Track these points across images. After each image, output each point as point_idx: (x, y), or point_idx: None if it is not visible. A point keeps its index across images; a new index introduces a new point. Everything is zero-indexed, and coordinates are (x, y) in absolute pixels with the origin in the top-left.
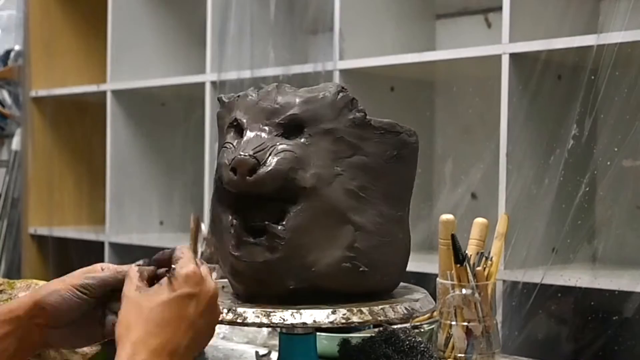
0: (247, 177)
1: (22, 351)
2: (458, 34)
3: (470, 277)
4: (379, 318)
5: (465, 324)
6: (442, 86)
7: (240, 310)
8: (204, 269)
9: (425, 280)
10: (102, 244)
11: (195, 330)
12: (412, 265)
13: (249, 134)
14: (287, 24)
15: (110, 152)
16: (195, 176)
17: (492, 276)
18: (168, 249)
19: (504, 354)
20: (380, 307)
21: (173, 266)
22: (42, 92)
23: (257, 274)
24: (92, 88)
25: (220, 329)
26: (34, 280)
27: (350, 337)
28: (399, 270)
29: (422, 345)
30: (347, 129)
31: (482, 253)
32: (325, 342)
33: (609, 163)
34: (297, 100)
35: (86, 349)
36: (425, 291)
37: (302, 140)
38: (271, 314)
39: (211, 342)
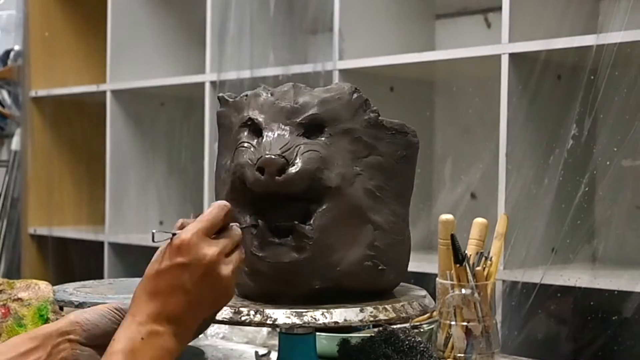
0: (277, 177)
1: None
2: (458, 34)
3: (470, 277)
4: (402, 315)
5: (465, 323)
6: (442, 86)
7: (268, 311)
8: (224, 236)
9: (424, 280)
10: (101, 243)
11: (192, 299)
12: (412, 265)
13: (270, 134)
14: (286, 24)
15: (110, 152)
16: (195, 176)
17: (492, 276)
18: None
19: (503, 354)
20: (401, 304)
21: (176, 232)
22: (42, 92)
23: (282, 275)
24: (91, 88)
25: (220, 328)
26: (34, 280)
27: (350, 337)
28: (406, 268)
29: (421, 345)
30: (363, 129)
31: (481, 253)
32: (325, 342)
33: (608, 163)
34: (316, 100)
35: None
36: (424, 290)
37: (324, 139)
38: (302, 314)
39: (211, 342)
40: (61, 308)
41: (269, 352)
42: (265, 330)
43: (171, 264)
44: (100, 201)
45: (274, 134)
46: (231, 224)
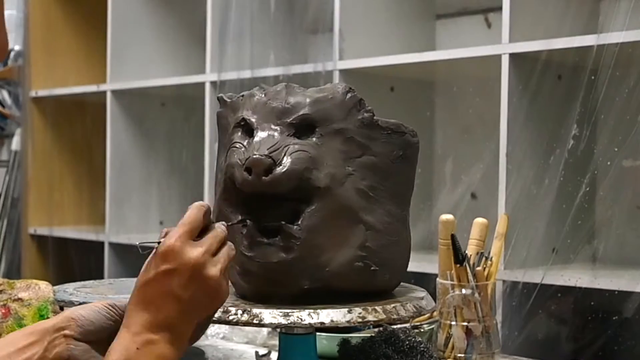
0: (263, 177)
1: None
2: (458, 34)
3: (470, 277)
4: (392, 317)
5: (465, 324)
6: (442, 86)
7: (256, 311)
8: (208, 236)
9: (425, 280)
10: (102, 244)
11: (183, 303)
12: (412, 265)
13: (261, 134)
14: (287, 24)
15: (110, 152)
16: (195, 176)
17: (492, 276)
18: None
19: (503, 354)
20: (392, 305)
21: (160, 241)
22: (42, 92)
23: (271, 274)
24: (92, 88)
25: (220, 328)
26: (34, 280)
27: (350, 337)
28: (403, 269)
29: (422, 345)
30: (356, 129)
31: (482, 253)
32: (325, 342)
33: (609, 163)
34: (308, 100)
35: None
36: (425, 291)
37: (314, 140)
38: (289, 314)
39: (211, 342)
40: (61, 308)
41: (269, 352)
42: (265, 330)
43: (158, 271)
44: (101, 201)
45: (264, 134)
46: (215, 223)
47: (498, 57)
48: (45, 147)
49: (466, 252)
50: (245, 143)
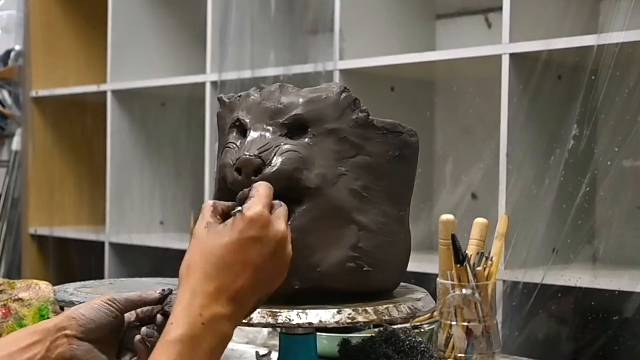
0: (252, 177)
1: None
2: (458, 34)
3: (471, 277)
4: (384, 318)
5: (465, 324)
6: (442, 86)
7: None
8: (279, 211)
9: (425, 280)
10: (102, 244)
11: (259, 275)
12: (412, 265)
13: (253, 134)
14: (287, 24)
15: (110, 152)
16: (195, 176)
17: (492, 276)
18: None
19: (504, 354)
20: (384, 306)
21: (240, 207)
22: (42, 92)
23: None
24: (92, 88)
25: None
26: (34, 280)
27: (350, 337)
28: (401, 269)
29: (422, 345)
30: (350, 129)
31: (482, 253)
32: (325, 342)
33: (609, 163)
34: (301, 100)
35: None
36: (425, 291)
37: (306, 140)
38: (277, 314)
39: None
40: (62, 308)
41: (269, 352)
42: (265, 330)
43: (241, 237)
44: (101, 201)
45: (256, 134)
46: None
47: (498, 57)
48: (45, 147)
49: (466, 252)
50: (238, 143)
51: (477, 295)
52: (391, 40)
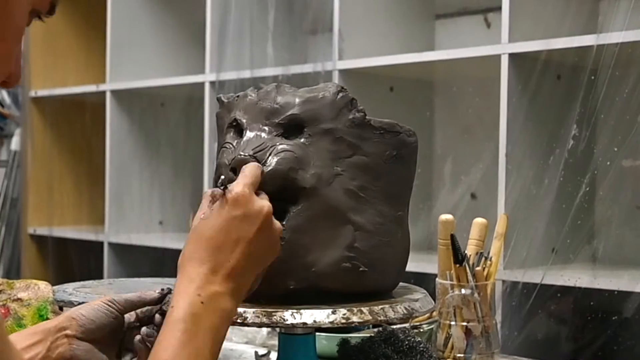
0: None
1: None
2: (457, 34)
3: (470, 277)
4: (379, 318)
5: (465, 324)
6: (442, 86)
7: (240, 310)
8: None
9: (424, 280)
10: (101, 244)
11: (251, 251)
12: (412, 265)
13: (249, 134)
14: (286, 24)
15: (109, 152)
16: (194, 176)
17: (492, 276)
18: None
19: (503, 354)
20: (380, 307)
21: (227, 188)
22: (42, 92)
23: None
24: (91, 88)
25: None
26: (34, 280)
27: (350, 337)
28: (399, 270)
29: (421, 345)
30: (346, 129)
31: (481, 253)
32: (325, 342)
33: (609, 163)
34: (297, 100)
35: None
36: (425, 291)
37: (302, 140)
38: (272, 314)
39: None
40: (61, 308)
41: (269, 352)
42: (265, 330)
43: (228, 217)
44: (100, 201)
45: (252, 134)
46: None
47: (497, 57)
48: (45, 147)
49: (466, 252)
50: (234, 143)
51: (476, 295)
52: (390, 40)
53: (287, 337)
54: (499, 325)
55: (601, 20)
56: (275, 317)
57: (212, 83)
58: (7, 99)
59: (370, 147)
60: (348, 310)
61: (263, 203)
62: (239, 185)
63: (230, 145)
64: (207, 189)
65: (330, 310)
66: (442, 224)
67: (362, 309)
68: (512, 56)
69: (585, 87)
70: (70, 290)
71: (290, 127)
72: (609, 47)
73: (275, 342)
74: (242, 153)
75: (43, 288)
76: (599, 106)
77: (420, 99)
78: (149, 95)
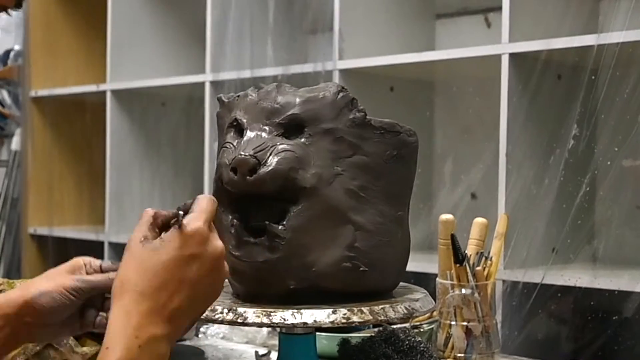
0: (248, 177)
1: (8, 346)
2: (458, 34)
3: (470, 277)
4: (380, 318)
5: (465, 323)
6: (442, 86)
7: (240, 310)
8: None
9: (424, 280)
10: (101, 243)
11: (196, 293)
12: (412, 265)
13: (249, 134)
14: (286, 24)
15: (110, 152)
16: (194, 176)
17: (492, 276)
18: None
19: (503, 353)
20: (380, 306)
21: (179, 221)
22: (42, 92)
23: (258, 274)
24: (91, 88)
25: (220, 328)
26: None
27: (350, 337)
28: (399, 270)
29: (421, 345)
30: (347, 128)
31: (481, 253)
32: (325, 342)
33: (609, 163)
34: (297, 100)
35: (86, 349)
36: (425, 291)
37: (303, 140)
38: (272, 313)
39: (211, 342)
40: None
41: (269, 352)
42: (265, 330)
43: (179, 254)
44: (101, 201)
45: (252, 134)
46: None
47: (498, 57)
48: (45, 147)
49: (466, 252)
50: (235, 143)
51: (476, 295)
52: (391, 40)
53: (287, 337)
54: (499, 325)
55: (601, 20)
56: (275, 317)
57: (212, 83)
58: (7, 99)
59: (370, 147)
60: (348, 310)
61: (217, 244)
62: (197, 221)
63: (231, 145)
64: (149, 208)
65: (330, 310)
66: (442, 224)
67: (363, 308)
68: (513, 56)
69: (585, 87)
70: None
71: (291, 127)
72: (610, 47)
73: (276, 342)
74: (242, 153)
75: None
76: (599, 106)
77: (421, 99)
78: (149, 95)
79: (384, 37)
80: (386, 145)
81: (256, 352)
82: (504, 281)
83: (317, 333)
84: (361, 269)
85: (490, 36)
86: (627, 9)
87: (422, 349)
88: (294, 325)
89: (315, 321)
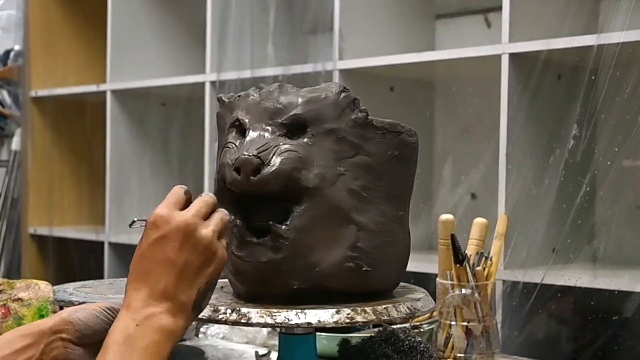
0: (251, 177)
1: None
2: (458, 34)
3: (470, 277)
4: (383, 318)
5: (465, 323)
6: (442, 86)
7: (244, 310)
8: (198, 206)
9: (425, 280)
10: (101, 243)
11: (180, 269)
12: (412, 265)
13: (252, 134)
14: (286, 24)
15: (110, 152)
16: (195, 176)
17: (492, 276)
18: None
19: (503, 353)
20: (383, 306)
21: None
22: (42, 92)
23: (261, 274)
24: (92, 88)
25: (220, 328)
26: (34, 280)
27: (350, 337)
28: (400, 269)
29: (421, 345)
30: (349, 129)
31: (481, 253)
32: (325, 342)
33: (609, 163)
34: (300, 100)
35: None
36: (425, 291)
37: (305, 140)
38: (275, 314)
39: (211, 342)
40: (61, 308)
41: (269, 352)
42: (265, 330)
43: (150, 241)
44: (101, 201)
45: (255, 134)
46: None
47: (498, 57)
48: (45, 147)
49: (466, 252)
50: (237, 143)
51: (476, 295)
52: (391, 40)
53: (287, 337)
54: (499, 325)
55: (601, 20)
56: (279, 317)
57: (212, 83)
58: (7, 99)
59: (372, 147)
60: (352, 310)
61: (182, 218)
62: (158, 208)
63: (233, 145)
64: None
65: (334, 310)
66: (442, 224)
67: (366, 308)
68: (513, 56)
69: (585, 87)
70: (70, 290)
71: (294, 127)
72: (610, 47)
73: (276, 341)
74: (245, 153)
75: (43, 288)
76: (599, 106)
77: (421, 99)
78: (149, 95)
79: (384, 37)
80: (388, 145)
81: (256, 352)
82: (504, 281)
83: (317, 333)
84: (364, 269)
85: (490, 36)
86: (627, 9)
87: (422, 349)
88: (298, 326)
89: (319, 321)
